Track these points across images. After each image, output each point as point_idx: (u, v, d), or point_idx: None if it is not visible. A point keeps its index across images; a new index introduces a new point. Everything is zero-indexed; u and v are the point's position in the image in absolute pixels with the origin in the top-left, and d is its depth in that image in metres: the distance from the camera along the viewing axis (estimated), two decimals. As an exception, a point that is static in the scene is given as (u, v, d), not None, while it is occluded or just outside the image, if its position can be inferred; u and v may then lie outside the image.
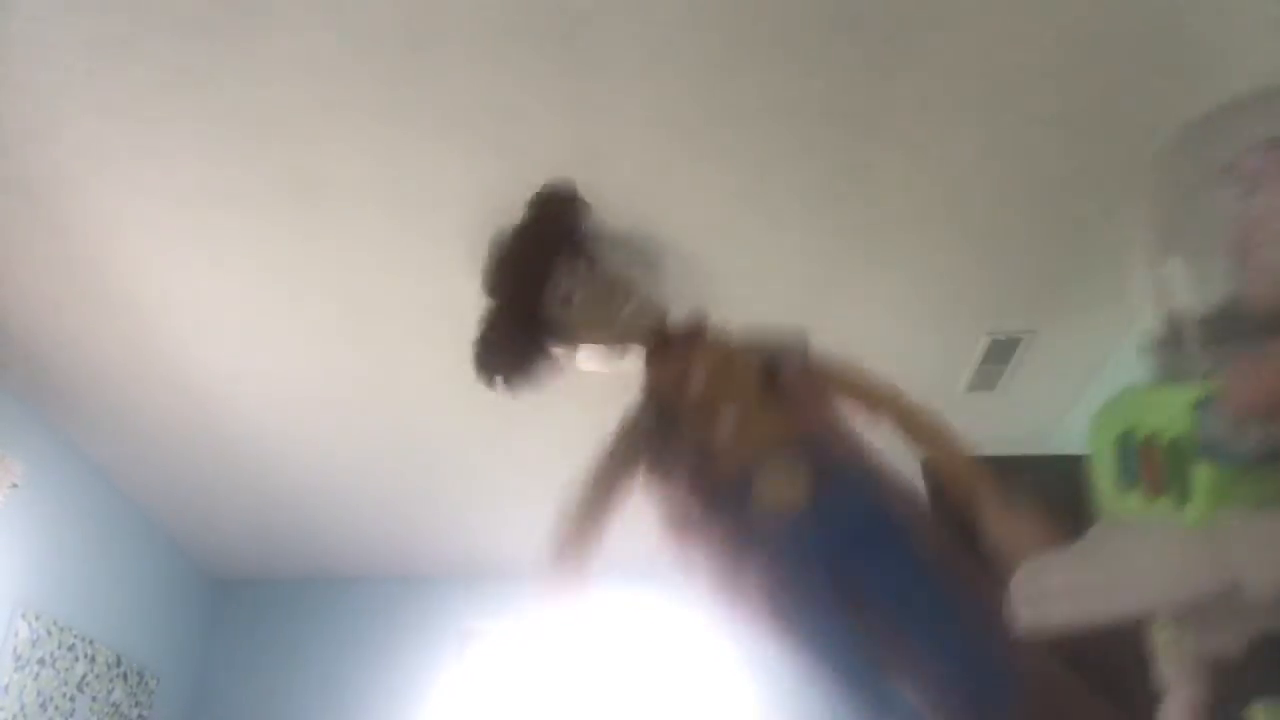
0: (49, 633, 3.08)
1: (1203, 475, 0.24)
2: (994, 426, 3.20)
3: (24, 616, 2.97)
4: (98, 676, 3.34)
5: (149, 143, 2.10)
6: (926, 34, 1.88)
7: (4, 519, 2.88)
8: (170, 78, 1.94)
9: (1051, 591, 0.73)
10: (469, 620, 4.20)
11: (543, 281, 1.36)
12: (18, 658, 2.93)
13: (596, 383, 3.02)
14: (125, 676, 3.51)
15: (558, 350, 1.38)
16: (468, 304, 2.60)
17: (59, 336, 2.71)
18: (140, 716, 3.60)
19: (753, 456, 1.15)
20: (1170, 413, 0.27)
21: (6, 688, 2.87)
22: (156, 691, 3.73)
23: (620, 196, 2.29)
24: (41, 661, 3.04)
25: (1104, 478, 0.29)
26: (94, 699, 3.31)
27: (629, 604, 4.15)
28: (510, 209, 2.30)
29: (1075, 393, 3.08)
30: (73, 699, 3.19)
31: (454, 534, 3.95)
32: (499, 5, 1.82)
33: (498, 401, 3.08)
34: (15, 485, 2.79)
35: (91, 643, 3.31)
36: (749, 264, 2.49)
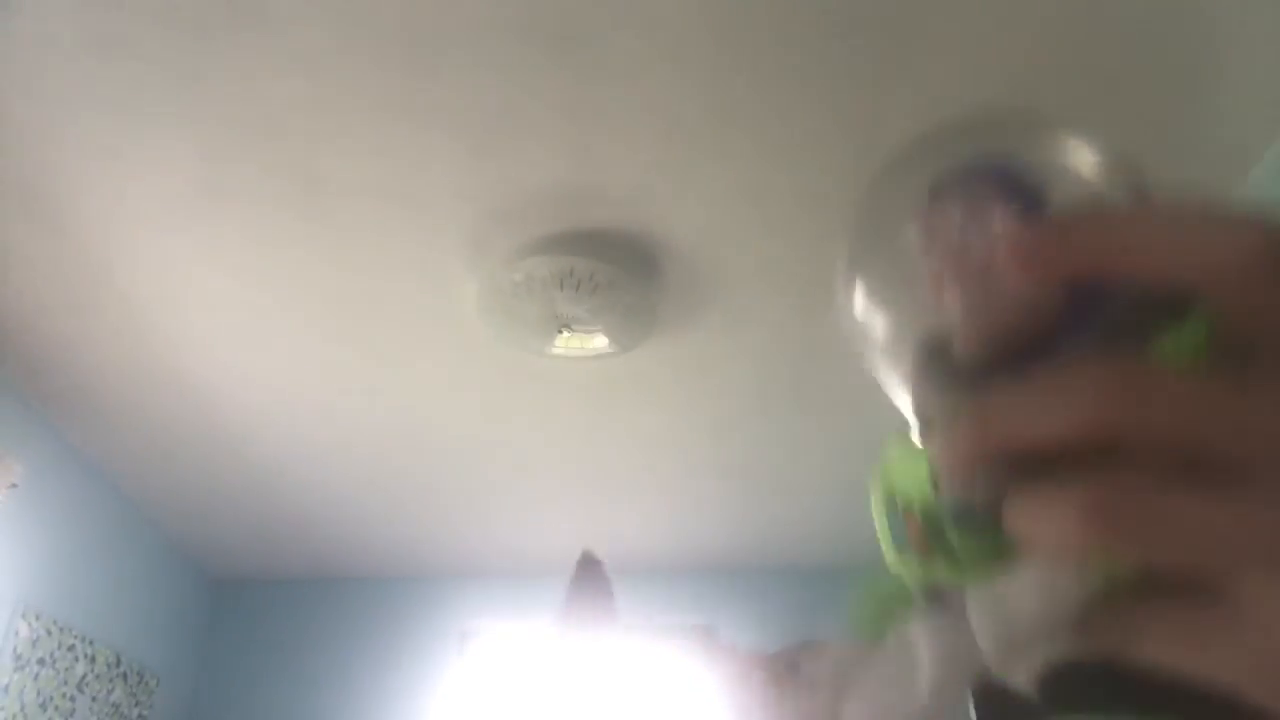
0: (49, 633, 3.08)
1: (960, 541, 0.23)
2: (994, 426, 3.21)
3: (24, 616, 2.97)
4: (98, 676, 3.34)
5: (149, 142, 2.10)
6: (927, 35, 1.88)
7: (4, 519, 2.88)
8: (170, 77, 1.94)
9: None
10: (469, 620, 4.21)
11: None
12: (18, 658, 2.93)
13: (596, 383, 3.04)
14: (125, 676, 3.51)
15: None
16: (468, 304, 2.61)
17: (59, 336, 2.71)
18: (140, 716, 3.60)
19: None
20: (914, 479, 0.26)
21: (6, 688, 2.87)
22: (156, 691, 3.73)
23: (620, 196, 2.30)
24: (41, 661, 3.04)
25: (885, 544, 0.28)
26: (94, 699, 3.31)
27: (627, 604, 4.16)
28: (510, 209, 2.31)
29: (1075, 393, 3.08)
30: (73, 699, 3.19)
31: (454, 534, 3.96)
32: (499, 5, 1.82)
33: (498, 402, 3.10)
34: (15, 485, 2.79)
35: (91, 643, 3.31)
36: (749, 264, 2.49)
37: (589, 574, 1.38)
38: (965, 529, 0.25)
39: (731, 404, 3.11)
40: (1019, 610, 0.26)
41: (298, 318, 2.68)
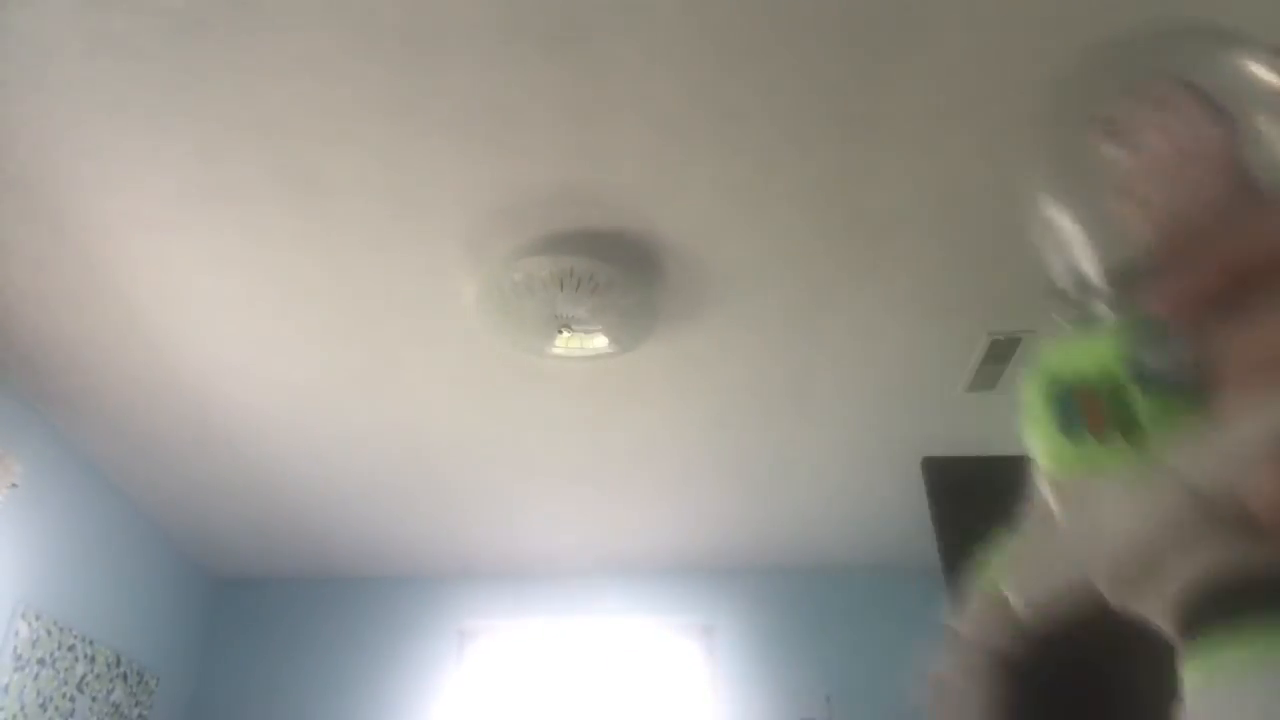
0: (49, 633, 3.08)
1: (1146, 406, 0.24)
2: (994, 426, 3.21)
3: (24, 616, 2.97)
4: (98, 676, 3.34)
5: (149, 142, 2.10)
6: (926, 35, 1.88)
7: (4, 519, 2.88)
8: (170, 77, 1.94)
9: (1034, 567, 0.71)
10: (468, 620, 4.21)
11: None
12: (18, 658, 2.93)
13: (596, 383, 3.04)
14: (125, 676, 3.51)
15: None
16: (468, 304, 2.61)
17: (59, 336, 2.71)
18: (140, 716, 3.60)
19: None
20: (1096, 355, 0.27)
21: (6, 688, 2.87)
22: (156, 691, 3.73)
23: (620, 196, 2.30)
24: (41, 661, 3.04)
25: (1047, 435, 0.28)
26: (94, 699, 3.31)
27: (627, 604, 4.15)
28: (510, 209, 2.31)
29: (1075, 393, 3.08)
30: (73, 699, 3.19)
31: (454, 534, 3.96)
32: (499, 6, 1.82)
33: (498, 402, 3.10)
34: (15, 485, 2.79)
35: (91, 643, 3.31)
36: (749, 264, 2.49)
37: None
38: (1160, 386, 0.26)
39: (731, 404, 3.11)
40: (1152, 527, 0.26)
41: (298, 318, 2.68)
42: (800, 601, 4.17)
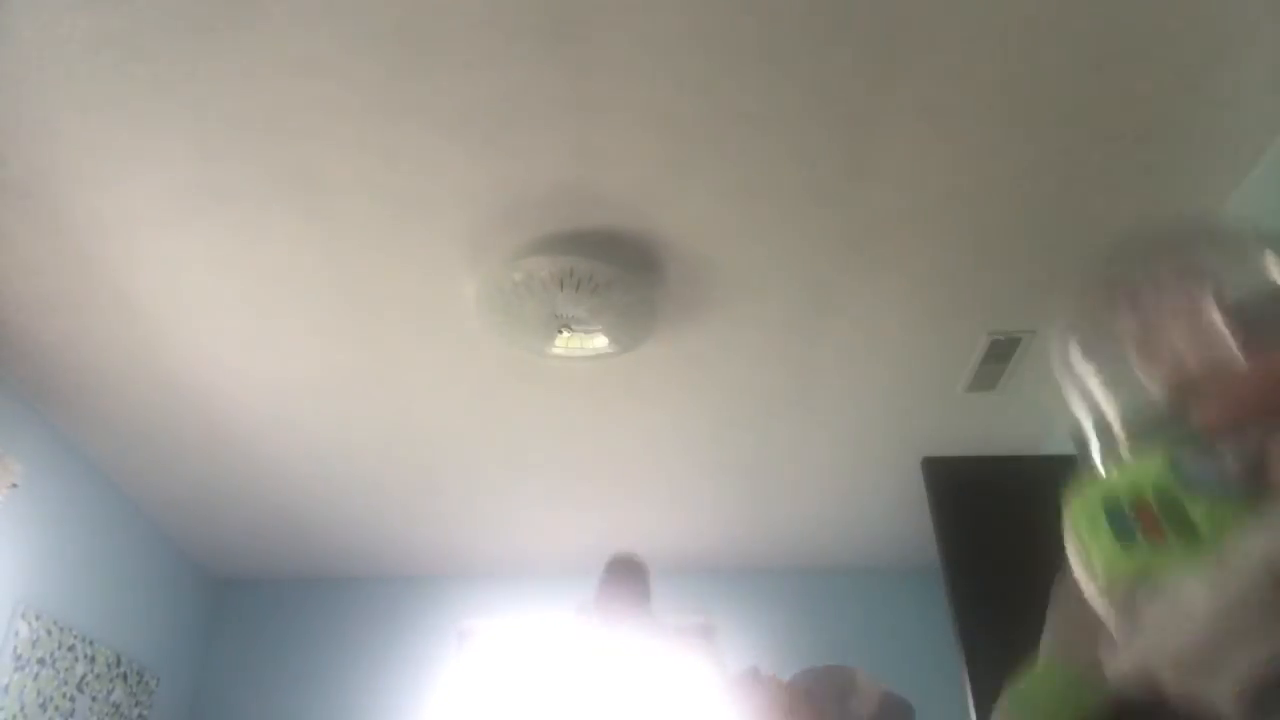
0: (49, 633, 3.08)
1: (1199, 510, 0.26)
2: (994, 426, 3.21)
3: (24, 616, 2.97)
4: (98, 676, 3.34)
5: (148, 142, 2.10)
6: (926, 35, 1.88)
7: (4, 519, 2.88)
8: (170, 77, 1.94)
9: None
10: (468, 620, 4.21)
11: None
12: (18, 658, 2.93)
13: (596, 383, 3.03)
14: (125, 676, 3.51)
15: None
16: (468, 304, 2.61)
17: (59, 336, 2.71)
18: (140, 716, 3.60)
19: None
20: (1145, 472, 0.29)
21: (6, 688, 2.87)
22: (156, 691, 3.73)
23: (620, 196, 2.30)
24: (41, 661, 3.04)
25: (1102, 550, 0.29)
26: (94, 699, 3.31)
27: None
28: (510, 209, 2.31)
29: (1075, 393, 3.08)
30: (73, 699, 3.19)
31: (454, 534, 3.96)
32: (499, 6, 1.82)
33: (497, 402, 3.10)
34: (15, 485, 2.78)
35: (91, 643, 3.31)
36: (749, 264, 2.49)
37: (622, 574, 1.37)
38: (1211, 491, 0.28)
39: (731, 404, 3.11)
40: (1223, 609, 0.27)
41: (298, 318, 2.68)
42: (800, 601, 4.17)
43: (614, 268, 2.40)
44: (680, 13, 1.83)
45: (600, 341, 2.61)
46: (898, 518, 3.73)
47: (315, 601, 4.27)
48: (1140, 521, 0.29)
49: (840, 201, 2.30)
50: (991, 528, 2.34)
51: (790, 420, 3.19)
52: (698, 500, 3.71)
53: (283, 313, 2.65)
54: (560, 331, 2.54)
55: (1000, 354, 2.86)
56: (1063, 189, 2.27)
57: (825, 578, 4.22)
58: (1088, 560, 0.32)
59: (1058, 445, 3.24)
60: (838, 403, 3.10)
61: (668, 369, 2.91)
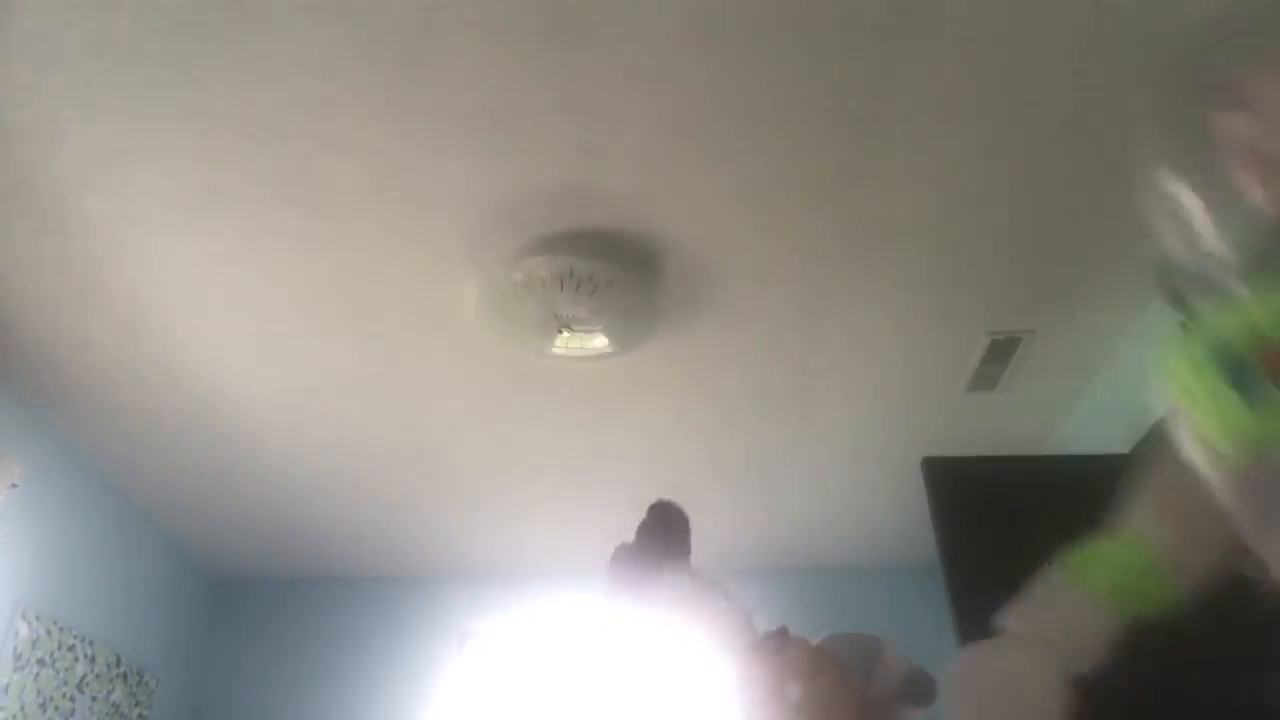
0: (49, 633, 3.08)
1: None
2: (994, 426, 3.21)
3: (24, 616, 2.97)
4: (98, 676, 3.34)
5: (148, 143, 2.10)
6: (926, 35, 1.88)
7: (4, 519, 2.88)
8: (170, 78, 1.94)
9: None
10: (469, 620, 4.21)
11: None
12: (18, 658, 2.93)
13: (596, 383, 3.03)
14: (125, 676, 3.51)
15: None
16: (468, 304, 2.61)
17: (59, 336, 2.71)
18: (140, 716, 3.60)
19: None
20: (1265, 309, 0.24)
21: (6, 688, 2.87)
22: (156, 691, 3.73)
23: (620, 196, 2.30)
24: (41, 661, 3.04)
25: (1220, 410, 0.25)
26: (94, 699, 3.31)
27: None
28: (510, 209, 2.31)
29: (1075, 393, 3.08)
30: (73, 699, 3.19)
31: (454, 534, 3.96)
32: (498, 6, 1.82)
33: (497, 402, 3.10)
34: (15, 485, 2.78)
35: (91, 643, 3.31)
36: (749, 264, 2.49)
37: (655, 525, 1.29)
38: None
39: (731, 404, 3.11)
40: None
41: (298, 318, 2.68)
42: (800, 601, 4.17)
43: (614, 268, 2.40)
44: (680, 13, 1.83)
45: (600, 341, 2.61)
46: (898, 518, 3.73)
47: (315, 601, 4.27)
48: (1267, 368, 0.25)
49: (840, 201, 2.30)
50: (991, 528, 2.33)
51: (790, 420, 3.19)
52: (698, 500, 3.69)
53: (283, 313, 2.65)
54: (560, 332, 2.54)
55: (1000, 354, 2.86)
56: (1062, 189, 2.28)
57: (825, 577, 4.22)
58: (1202, 427, 0.26)
59: (1057, 445, 3.24)
60: (838, 402, 3.10)
61: (668, 369, 2.91)
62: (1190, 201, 0.27)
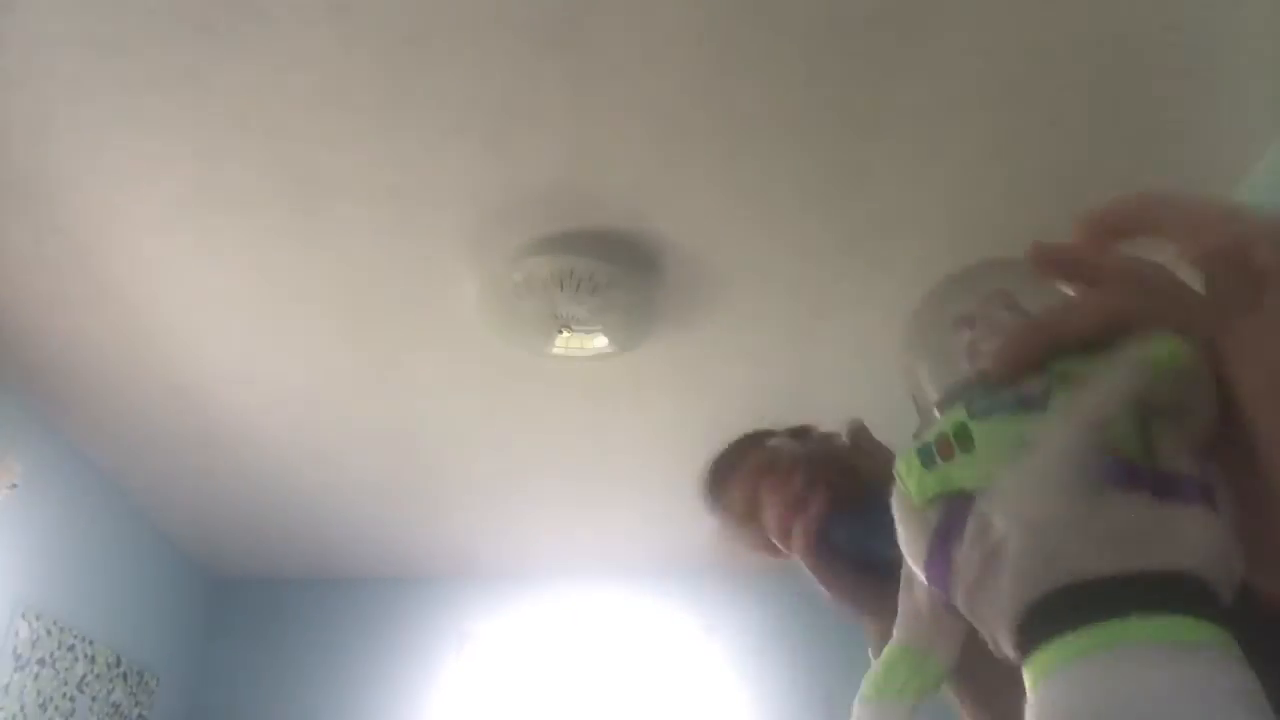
0: (49, 633, 3.08)
1: (982, 431, 0.34)
2: (994, 426, 3.21)
3: (24, 616, 2.97)
4: (98, 676, 3.34)
5: (148, 142, 2.10)
6: (927, 35, 1.88)
7: (4, 519, 2.88)
8: (170, 76, 1.94)
9: None
10: (468, 621, 4.21)
11: None
12: (18, 658, 2.93)
13: (596, 383, 3.03)
14: (125, 676, 3.51)
15: None
16: (468, 304, 2.61)
17: (59, 336, 2.71)
18: (140, 716, 3.60)
19: None
20: (947, 418, 0.37)
21: (6, 688, 2.87)
22: (156, 691, 3.73)
23: (620, 196, 2.30)
24: (41, 661, 3.04)
25: (913, 479, 0.37)
26: (94, 699, 3.31)
27: (627, 605, 4.15)
28: (510, 209, 2.31)
29: (1075, 393, 3.08)
30: (73, 699, 3.19)
31: (454, 534, 3.96)
32: (498, 5, 1.82)
33: (497, 402, 3.10)
34: (15, 485, 2.79)
35: (91, 643, 3.31)
36: (749, 264, 2.49)
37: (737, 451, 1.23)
38: (991, 414, 0.36)
39: (731, 403, 3.11)
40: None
41: (297, 317, 2.68)
42: (800, 601, 4.17)
43: (614, 268, 2.40)
44: (680, 13, 1.84)
45: (600, 341, 2.61)
46: (898, 518, 3.73)
47: (315, 602, 4.27)
48: (939, 451, 0.37)
49: (840, 201, 2.30)
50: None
51: (790, 420, 3.18)
52: (698, 500, 3.70)
53: (282, 312, 2.66)
54: (560, 331, 2.54)
55: (1000, 354, 2.85)
56: (1061, 190, 2.28)
57: (825, 578, 4.21)
58: (907, 497, 0.38)
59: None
60: (837, 403, 3.10)
61: (668, 369, 2.91)
62: (922, 371, 0.42)
